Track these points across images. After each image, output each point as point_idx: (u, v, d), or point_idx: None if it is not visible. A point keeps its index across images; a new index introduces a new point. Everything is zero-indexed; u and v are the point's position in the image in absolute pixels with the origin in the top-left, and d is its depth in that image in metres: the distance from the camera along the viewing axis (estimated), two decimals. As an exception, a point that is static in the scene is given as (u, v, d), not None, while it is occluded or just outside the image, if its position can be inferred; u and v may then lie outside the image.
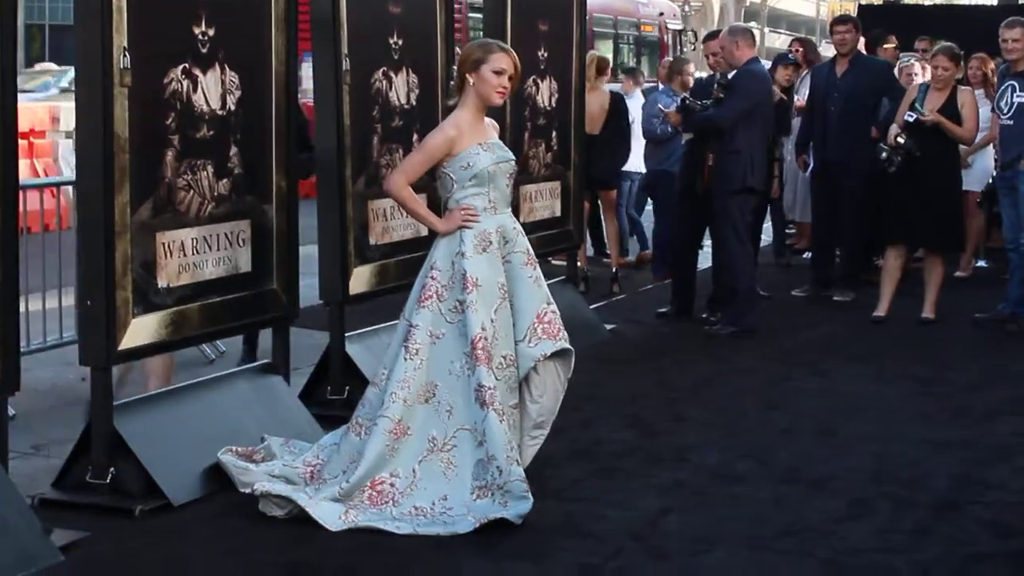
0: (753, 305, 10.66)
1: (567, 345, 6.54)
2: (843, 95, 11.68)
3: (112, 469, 6.21)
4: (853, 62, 11.80)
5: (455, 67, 6.73)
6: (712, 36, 11.50)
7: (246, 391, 7.23)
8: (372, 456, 6.11)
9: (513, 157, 6.68)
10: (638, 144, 13.36)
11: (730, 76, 10.48)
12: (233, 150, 6.91)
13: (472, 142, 6.42)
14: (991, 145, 12.16)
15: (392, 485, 6.11)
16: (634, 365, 9.54)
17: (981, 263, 13.69)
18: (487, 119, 6.61)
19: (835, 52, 12.17)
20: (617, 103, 12.95)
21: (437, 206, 6.80)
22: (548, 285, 6.71)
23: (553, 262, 11.52)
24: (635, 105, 13.84)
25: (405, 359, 6.24)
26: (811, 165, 12.38)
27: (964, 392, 8.86)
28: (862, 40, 12.22)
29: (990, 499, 6.68)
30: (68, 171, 16.28)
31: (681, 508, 6.45)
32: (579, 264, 11.71)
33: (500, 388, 6.22)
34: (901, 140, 10.69)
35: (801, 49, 14.79)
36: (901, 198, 10.76)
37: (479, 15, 31.99)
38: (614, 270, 12.86)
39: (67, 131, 18.00)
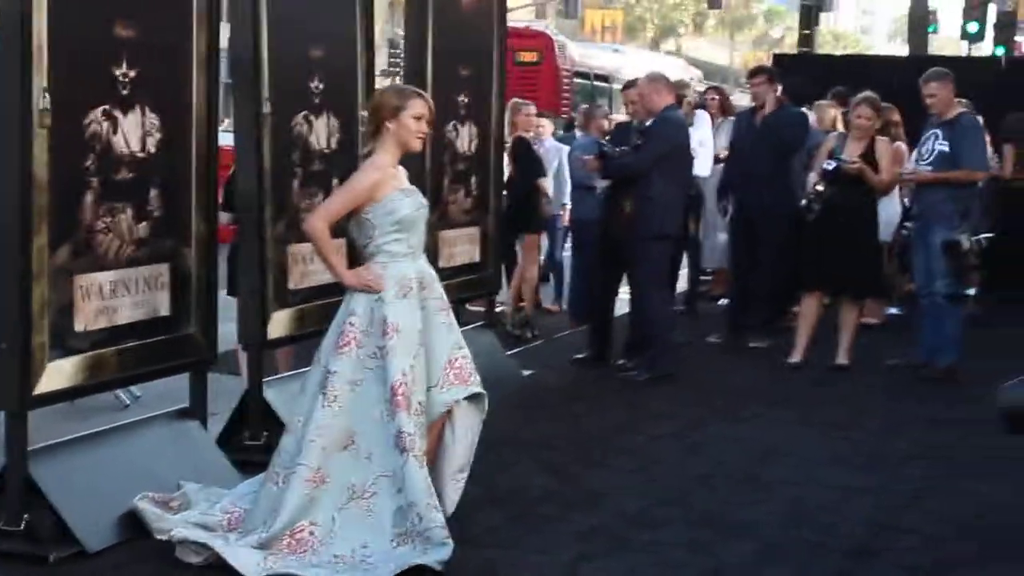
0: (670, 351, 10.70)
1: (479, 389, 6.53)
2: (763, 144, 11.77)
3: (26, 515, 6.10)
4: (771, 111, 11.91)
5: (367, 114, 6.69)
6: (630, 84, 11.57)
7: (163, 436, 7.15)
8: (291, 505, 6.05)
9: (427, 203, 6.69)
10: (563, 189, 13.51)
11: (648, 123, 10.56)
12: (153, 192, 6.85)
13: (393, 188, 6.41)
14: (895, 194, 12.33)
15: (311, 534, 6.05)
16: (551, 410, 9.54)
17: (893, 310, 13.83)
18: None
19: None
20: (515, 150, 12.92)
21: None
22: (466, 331, 6.71)
23: (470, 308, 11.51)
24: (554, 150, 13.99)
25: (323, 406, 6.20)
26: (730, 211, 12.47)
27: (879, 437, 8.95)
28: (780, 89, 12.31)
29: (905, 544, 6.73)
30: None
31: (599, 554, 6.44)
32: (520, 310, 11.82)
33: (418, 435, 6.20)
34: (820, 188, 10.81)
35: (717, 98, 14.96)
36: (819, 245, 10.87)
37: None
38: (525, 314, 12.92)
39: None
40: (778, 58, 20.60)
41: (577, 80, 31.42)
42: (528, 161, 12.89)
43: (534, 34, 31.75)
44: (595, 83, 33.10)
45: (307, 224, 6.58)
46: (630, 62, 33.35)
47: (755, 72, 12.49)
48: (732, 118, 13.90)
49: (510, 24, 12.59)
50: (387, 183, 6.39)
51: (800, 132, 12.06)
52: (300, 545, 6.02)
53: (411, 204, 6.43)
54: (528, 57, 29.63)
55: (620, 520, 6.98)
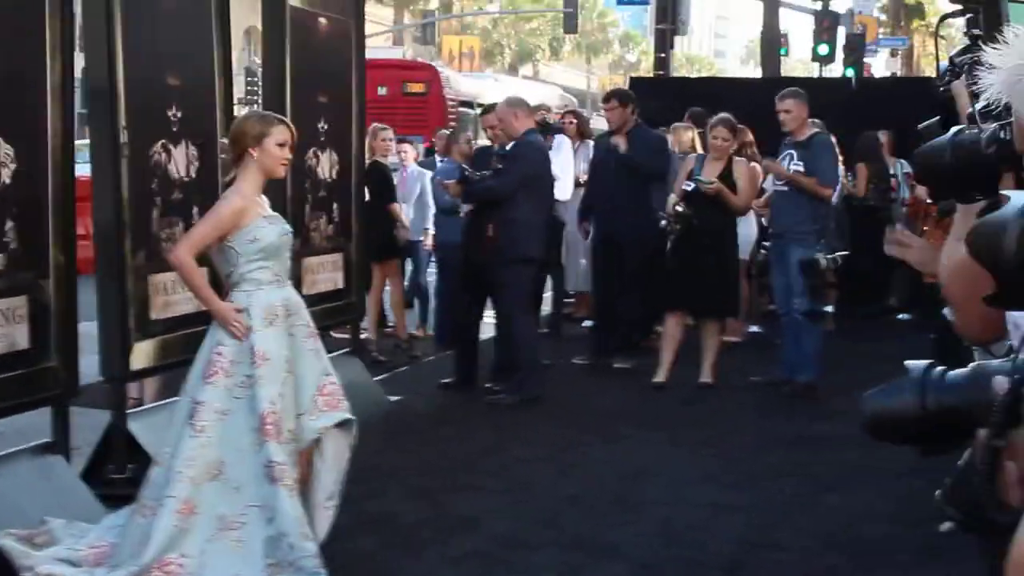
0: (536, 373, 10.73)
1: (349, 415, 6.49)
2: (622, 168, 11.80)
3: None
4: (630, 135, 11.94)
5: (229, 141, 6.63)
6: (489, 109, 11.61)
7: (25, 472, 7.00)
8: (160, 537, 5.96)
9: (291, 229, 6.65)
10: (426, 214, 13.53)
11: (508, 147, 10.60)
12: (9, 224, 6.73)
13: (256, 215, 6.34)
14: (751, 214, 12.50)
15: (181, 566, 5.96)
16: (419, 435, 9.51)
17: (754, 328, 14.00)
18: None
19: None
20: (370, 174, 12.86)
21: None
22: (331, 358, 6.68)
23: (334, 335, 11.45)
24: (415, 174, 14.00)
25: (191, 436, 6.11)
26: (591, 234, 12.53)
27: (747, 455, 9.04)
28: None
29: (775, 559, 6.81)
30: None
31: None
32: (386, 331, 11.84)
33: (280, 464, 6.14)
34: (680, 209, 10.92)
35: (575, 122, 15.04)
36: (680, 266, 10.97)
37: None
38: (402, 340, 12.92)
39: None
40: (635, 81, 20.81)
41: (461, 109, 32.05)
42: (382, 186, 12.85)
43: (421, 66, 32.73)
44: (478, 111, 33.88)
45: (172, 255, 6.49)
46: (509, 90, 34.29)
47: (609, 97, 12.55)
48: (590, 142, 13.98)
49: (398, 57, 12.63)
50: (250, 210, 6.33)
51: (657, 155, 12.13)
52: (162, 581, 5.93)
53: (275, 231, 6.38)
54: (416, 88, 30.33)
55: (493, 543, 6.98)
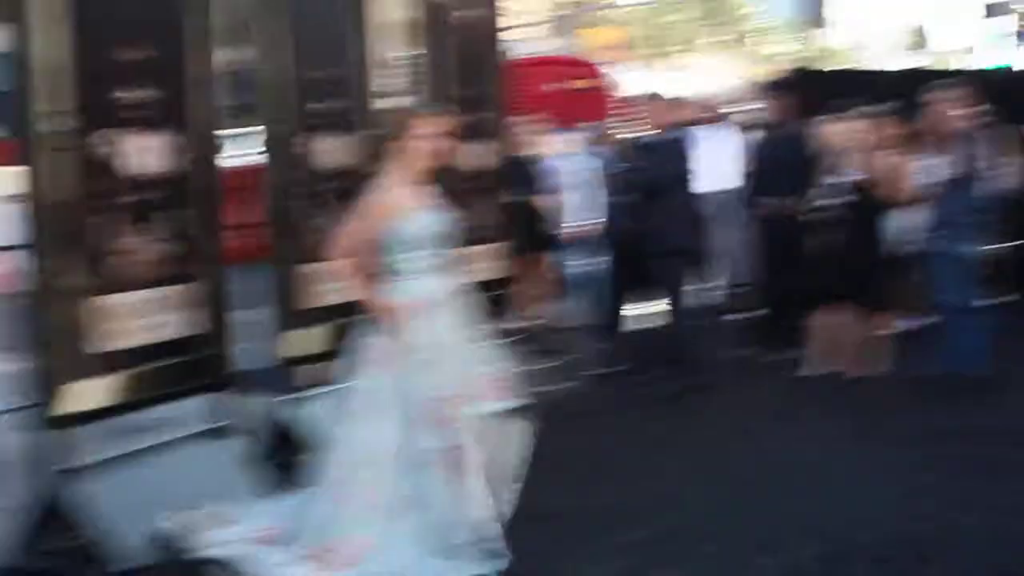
0: (695, 364, 10.74)
1: (518, 403, 6.56)
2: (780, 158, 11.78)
3: (56, 535, 6.13)
4: (778, 127, 11.91)
5: (380, 132, 6.72)
6: (639, 101, 11.61)
7: (192, 457, 7.18)
8: (335, 521, 6.06)
9: (451, 218, 6.69)
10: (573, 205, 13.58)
11: (655, 139, 10.63)
12: (172, 212, 6.95)
13: (411, 205, 6.42)
14: (909, 205, 12.33)
15: (357, 549, 6.06)
16: (578, 426, 9.50)
17: (913, 320, 13.77)
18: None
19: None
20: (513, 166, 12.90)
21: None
22: (497, 344, 6.71)
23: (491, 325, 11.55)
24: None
25: (353, 424, 6.20)
26: (750, 223, 12.48)
27: (905, 448, 8.86)
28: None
29: (936, 555, 6.73)
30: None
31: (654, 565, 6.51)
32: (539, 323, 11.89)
33: (452, 449, 6.20)
34: (832, 200, 10.85)
35: (730, 112, 14.84)
36: (833, 256, 10.89)
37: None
38: (546, 328, 12.93)
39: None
40: (785, 73, 20.55)
41: (623, 102, 32.45)
42: (525, 178, 12.91)
43: (584, 62, 33.75)
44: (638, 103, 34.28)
45: (330, 253, 6.55)
46: (667, 83, 34.79)
47: (767, 87, 12.60)
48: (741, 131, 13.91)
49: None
50: (404, 201, 6.40)
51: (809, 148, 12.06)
52: (344, 561, 6.03)
53: (430, 221, 6.45)
54: (580, 84, 30.78)
55: (659, 535, 7.01)
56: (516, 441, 6.55)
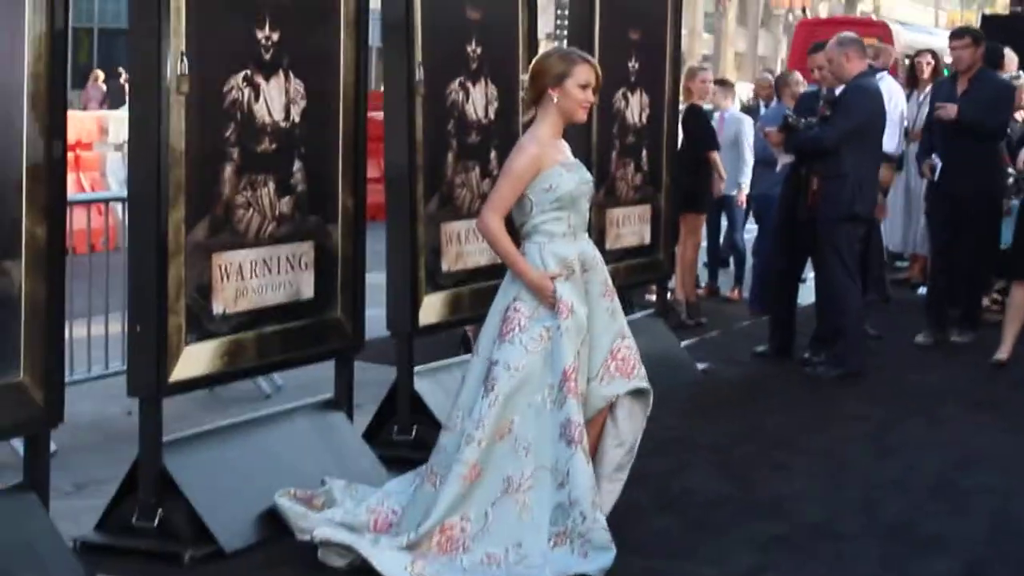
0: (860, 345, 10.59)
1: (643, 384, 6.48)
2: (963, 115, 11.46)
3: (160, 511, 6.22)
4: (974, 80, 11.60)
5: (527, 78, 6.63)
6: (818, 48, 11.42)
7: (305, 429, 7.25)
8: (445, 504, 6.06)
9: (592, 178, 6.64)
10: (740, 165, 13.48)
11: (838, 91, 10.43)
12: (297, 165, 6.95)
13: (554, 162, 6.35)
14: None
15: (463, 530, 6.08)
16: (727, 408, 9.51)
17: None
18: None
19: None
20: (687, 119, 12.82)
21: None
22: (633, 319, 6.67)
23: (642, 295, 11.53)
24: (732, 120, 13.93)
25: (482, 397, 6.18)
26: (928, 191, 12.25)
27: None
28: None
29: None
30: (116, 186, 16.48)
31: (778, 566, 6.41)
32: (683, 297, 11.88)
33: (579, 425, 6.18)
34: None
35: (932, 63, 14.55)
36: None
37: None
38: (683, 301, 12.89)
39: (116, 143, 18.21)
40: (987, 19, 20.22)
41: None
42: (700, 132, 12.80)
43: (876, 23, 34.14)
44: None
45: (480, 223, 6.47)
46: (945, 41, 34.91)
47: (955, 34, 12.21)
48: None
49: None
50: (548, 157, 6.34)
51: (1003, 104, 11.77)
52: (451, 543, 6.05)
53: (573, 180, 6.38)
54: (871, 42, 31.04)
55: (802, 529, 6.93)
56: (635, 425, 6.48)
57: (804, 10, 53.94)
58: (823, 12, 72.65)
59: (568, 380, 6.15)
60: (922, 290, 13.46)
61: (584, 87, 6.38)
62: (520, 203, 6.37)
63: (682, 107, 12.03)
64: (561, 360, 6.18)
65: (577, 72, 6.38)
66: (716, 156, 13.05)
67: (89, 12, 46.39)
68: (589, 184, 6.54)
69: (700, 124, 12.92)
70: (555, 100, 6.37)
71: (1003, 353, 10.91)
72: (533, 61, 6.70)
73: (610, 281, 6.58)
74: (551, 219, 6.35)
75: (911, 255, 15.00)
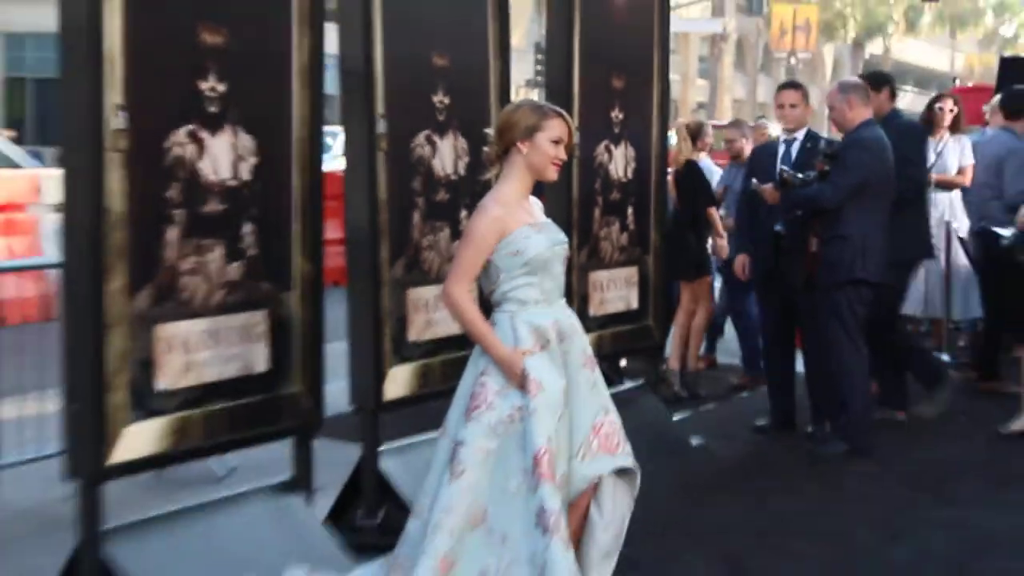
0: (869, 419, 10.62)
1: (628, 463, 6.47)
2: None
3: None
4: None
5: (493, 132, 6.61)
6: (789, 85, 11.44)
7: (262, 515, 7.26)
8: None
9: (567, 239, 6.61)
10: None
11: (840, 142, 10.50)
12: (247, 227, 7.00)
13: (520, 223, 6.33)
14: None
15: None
16: (724, 487, 9.53)
17: None
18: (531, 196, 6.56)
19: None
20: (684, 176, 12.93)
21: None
22: (621, 391, 6.69)
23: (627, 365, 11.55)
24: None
25: (450, 482, 6.19)
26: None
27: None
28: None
29: None
30: (53, 251, 16.47)
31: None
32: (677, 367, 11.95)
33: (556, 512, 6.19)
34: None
35: (955, 109, 14.63)
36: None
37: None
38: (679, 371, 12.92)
39: (53, 204, 18.23)
40: (1006, 62, 20.36)
41: None
42: (697, 187, 12.86)
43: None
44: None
45: (443, 295, 6.44)
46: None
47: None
48: (964, 136, 13.68)
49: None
50: (512, 218, 6.31)
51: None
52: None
53: (543, 242, 6.35)
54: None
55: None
56: (621, 507, 6.49)
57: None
58: (828, 56, 73.18)
59: (539, 464, 6.13)
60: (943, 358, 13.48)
61: (556, 142, 6.36)
62: (486, 270, 6.35)
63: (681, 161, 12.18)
64: (532, 443, 6.16)
65: (549, 126, 6.36)
66: (714, 213, 13.07)
67: (21, 60, 46.41)
68: (563, 246, 6.50)
69: (698, 180, 12.96)
70: (524, 154, 6.36)
71: (1021, 424, 10.95)
72: (501, 113, 6.70)
73: (590, 350, 6.58)
74: (522, 285, 6.33)
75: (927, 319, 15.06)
